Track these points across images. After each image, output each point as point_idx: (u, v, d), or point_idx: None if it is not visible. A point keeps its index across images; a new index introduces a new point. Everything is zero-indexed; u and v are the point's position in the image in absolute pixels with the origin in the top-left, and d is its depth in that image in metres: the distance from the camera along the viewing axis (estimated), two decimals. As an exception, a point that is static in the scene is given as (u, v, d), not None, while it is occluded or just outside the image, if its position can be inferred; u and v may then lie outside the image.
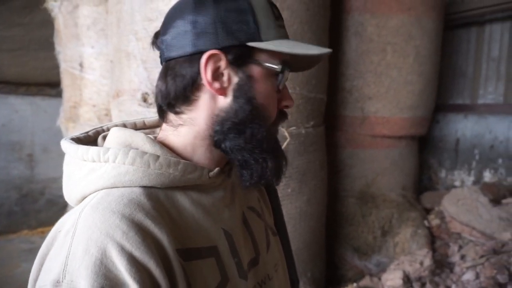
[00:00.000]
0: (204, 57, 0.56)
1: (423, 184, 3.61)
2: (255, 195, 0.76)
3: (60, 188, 0.62)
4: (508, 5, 2.96)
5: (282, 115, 0.65)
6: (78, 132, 0.65)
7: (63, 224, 0.52)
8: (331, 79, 2.54)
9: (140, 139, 0.58)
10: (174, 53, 0.59)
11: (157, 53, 0.63)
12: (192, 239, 0.55)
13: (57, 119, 2.99)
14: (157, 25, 1.49)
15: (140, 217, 0.50)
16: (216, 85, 0.58)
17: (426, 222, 2.78)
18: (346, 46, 2.76)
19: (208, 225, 0.58)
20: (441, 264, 2.31)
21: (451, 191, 2.90)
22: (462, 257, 2.32)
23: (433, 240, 2.65)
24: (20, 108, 4.45)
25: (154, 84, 0.64)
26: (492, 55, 3.30)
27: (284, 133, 1.98)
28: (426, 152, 3.66)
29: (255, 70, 0.59)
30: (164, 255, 0.50)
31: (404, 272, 2.16)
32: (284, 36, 0.61)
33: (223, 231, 0.60)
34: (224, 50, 0.57)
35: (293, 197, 2.05)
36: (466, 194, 2.72)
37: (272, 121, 0.62)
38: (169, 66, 0.60)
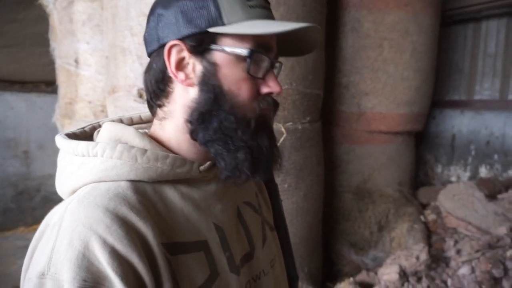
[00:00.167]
0: (166, 49, 0.57)
1: (419, 179, 3.63)
2: (253, 190, 0.75)
3: (56, 185, 0.62)
4: (504, 1, 2.97)
5: (267, 103, 0.60)
6: (73, 128, 0.65)
7: (51, 217, 0.52)
8: (328, 74, 2.54)
9: (129, 134, 0.58)
10: (149, 49, 0.61)
11: None
12: (180, 233, 0.55)
13: (53, 116, 2.97)
14: (152, 20, 1.48)
15: (124, 211, 0.50)
16: (181, 75, 0.58)
17: (422, 217, 2.80)
18: (342, 42, 2.75)
19: (198, 219, 0.58)
20: (437, 259, 2.32)
21: (447, 186, 2.91)
22: (458, 252, 2.33)
23: (429, 235, 2.67)
24: (16, 105, 4.43)
25: None
26: (489, 51, 3.31)
27: (281, 128, 1.98)
28: (423, 147, 3.67)
29: (219, 56, 0.57)
30: (148, 249, 0.50)
31: (400, 266, 2.18)
32: (258, 16, 0.57)
33: (214, 225, 0.60)
34: (185, 39, 0.56)
35: (290, 193, 2.05)
36: (462, 190, 2.74)
37: (249, 109, 0.58)
38: (149, 61, 0.62)
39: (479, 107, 3.35)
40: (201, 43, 0.56)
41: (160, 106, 0.61)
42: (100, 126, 0.67)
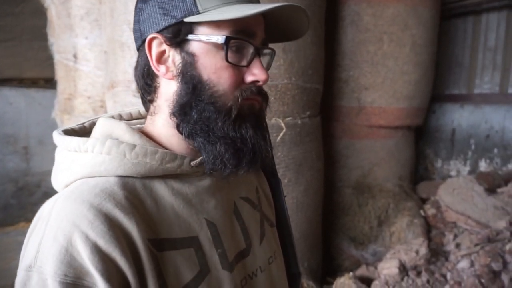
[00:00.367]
0: (146, 43, 0.57)
1: (419, 174, 3.63)
2: (253, 185, 0.74)
3: (56, 181, 0.62)
4: (504, -6, 2.95)
5: (251, 92, 0.58)
6: (73, 124, 0.65)
7: (43, 211, 0.53)
8: (327, 69, 2.53)
9: (120, 129, 0.58)
10: (136, 44, 0.61)
11: None
12: (168, 229, 0.55)
13: (52, 111, 2.96)
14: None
15: (109, 206, 0.50)
16: (163, 69, 0.57)
17: (422, 212, 2.80)
18: (342, 36, 2.74)
19: (189, 215, 0.57)
20: (437, 253, 2.33)
21: (447, 180, 2.92)
22: (457, 246, 2.34)
23: (429, 229, 2.68)
24: (15, 100, 4.41)
25: None
26: (489, 45, 3.30)
27: (280, 123, 1.98)
28: (423, 142, 3.67)
29: (197, 46, 0.56)
30: (132, 245, 0.50)
31: (400, 261, 2.19)
32: (238, 1, 0.55)
33: (206, 221, 0.59)
34: (163, 31, 0.56)
35: (290, 188, 2.05)
36: (462, 184, 2.74)
37: (231, 98, 0.56)
38: (137, 57, 0.62)
39: (479, 101, 3.35)
40: (178, 34, 0.56)
41: (151, 101, 0.61)
42: None
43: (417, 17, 2.74)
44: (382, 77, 2.75)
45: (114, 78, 2.06)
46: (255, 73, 0.57)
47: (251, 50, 0.57)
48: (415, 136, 3.27)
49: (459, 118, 3.48)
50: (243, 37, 0.56)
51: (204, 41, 0.55)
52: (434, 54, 3.02)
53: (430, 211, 2.79)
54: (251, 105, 0.58)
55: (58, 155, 0.59)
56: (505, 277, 1.99)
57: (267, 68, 0.63)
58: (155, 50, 0.57)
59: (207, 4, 0.54)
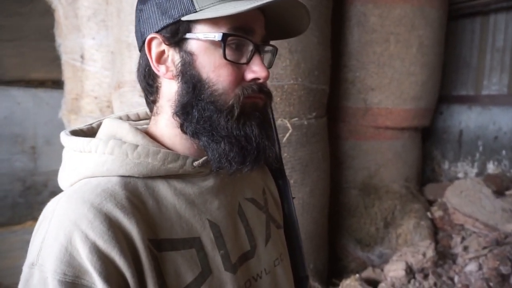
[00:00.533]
0: (146, 43, 0.57)
1: (426, 175, 3.60)
2: (259, 186, 0.73)
3: (63, 181, 0.62)
4: (513, -6, 2.92)
5: (252, 90, 0.57)
6: (80, 124, 0.66)
7: (47, 209, 0.53)
8: (334, 70, 2.52)
9: (123, 129, 0.58)
10: (138, 45, 0.61)
11: None
12: (170, 230, 0.55)
13: (59, 111, 2.98)
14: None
15: (109, 206, 0.50)
16: (162, 69, 0.57)
17: (429, 214, 2.78)
18: (348, 37, 2.73)
19: (191, 215, 0.57)
20: (444, 256, 2.31)
21: (454, 182, 2.89)
22: (465, 249, 2.32)
23: (436, 231, 2.65)
24: (22, 100, 4.45)
25: None
26: (497, 46, 3.27)
27: (287, 124, 1.97)
28: (430, 143, 3.64)
29: (195, 45, 0.55)
30: (132, 245, 0.50)
31: (406, 263, 2.17)
32: None
33: (209, 222, 0.59)
34: (162, 31, 0.56)
35: (296, 189, 2.05)
36: (469, 186, 2.72)
37: (232, 96, 0.55)
38: (138, 58, 0.62)
39: (487, 102, 3.31)
40: (176, 34, 0.55)
41: (153, 102, 0.61)
42: None
43: (424, 17, 2.72)
44: (389, 78, 2.74)
45: (120, 79, 2.07)
46: (255, 70, 0.56)
47: (250, 47, 0.56)
48: (422, 137, 3.25)
49: (467, 119, 3.44)
50: (241, 34, 0.55)
51: (202, 39, 0.55)
52: (441, 55, 3.00)
53: (437, 213, 2.76)
54: (254, 103, 0.58)
55: (65, 155, 0.60)
56: (513, 281, 1.96)
57: (269, 66, 0.62)
58: (154, 50, 0.57)
59: (204, 2, 0.53)
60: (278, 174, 0.77)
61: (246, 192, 0.69)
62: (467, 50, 3.45)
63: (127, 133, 0.58)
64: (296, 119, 2.03)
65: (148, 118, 0.70)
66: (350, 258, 2.71)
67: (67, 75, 2.81)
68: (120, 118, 0.68)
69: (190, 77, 0.56)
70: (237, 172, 0.57)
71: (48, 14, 2.93)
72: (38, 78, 4.44)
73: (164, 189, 0.56)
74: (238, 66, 0.56)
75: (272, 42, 0.63)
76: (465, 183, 2.78)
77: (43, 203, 0.56)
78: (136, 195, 0.53)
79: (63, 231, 0.48)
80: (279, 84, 1.94)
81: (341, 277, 2.36)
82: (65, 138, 0.60)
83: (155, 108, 0.61)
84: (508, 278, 1.98)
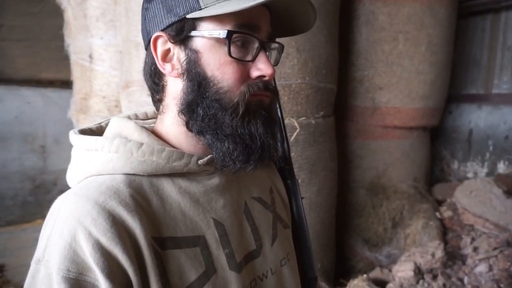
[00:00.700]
0: (151, 41, 0.57)
1: (435, 175, 3.57)
2: (267, 185, 0.73)
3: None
4: (525, -9, 2.87)
5: (258, 88, 0.56)
6: (88, 123, 0.66)
7: (54, 206, 0.54)
8: (342, 69, 2.51)
9: (129, 128, 0.59)
10: (145, 44, 0.61)
11: None
12: (174, 228, 0.55)
13: (68, 111, 3.01)
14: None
15: (113, 204, 0.50)
16: (168, 67, 0.57)
17: (438, 214, 2.75)
18: (357, 35, 2.71)
19: (195, 214, 0.57)
20: (453, 256, 2.28)
21: (464, 182, 2.86)
22: (475, 249, 2.29)
23: (445, 232, 2.62)
24: (32, 100, 4.49)
25: None
26: (508, 44, 3.22)
27: (294, 123, 1.96)
28: (439, 143, 3.61)
29: (200, 42, 0.55)
30: (135, 243, 0.50)
31: (415, 263, 2.15)
32: None
33: (214, 220, 0.59)
34: (167, 29, 0.56)
35: (303, 188, 2.04)
36: (479, 186, 2.68)
37: (237, 94, 0.55)
38: (144, 57, 0.62)
39: (498, 101, 3.27)
40: (181, 31, 0.55)
41: (159, 100, 0.61)
42: None
43: (433, 16, 2.69)
44: (397, 76, 2.71)
45: (129, 78, 2.08)
46: (260, 68, 0.56)
47: (256, 44, 0.56)
48: (431, 137, 3.22)
49: (477, 118, 3.40)
50: (246, 31, 0.54)
51: (207, 36, 0.54)
52: (450, 54, 2.96)
53: (446, 213, 2.73)
54: (259, 101, 0.57)
55: (73, 153, 0.61)
56: (524, 282, 1.93)
57: (275, 63, 0.62)
58: (160, 49, 0.57)
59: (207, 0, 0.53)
60: (287, 174, 0.76)
61: (253, 191, 0.69)
62: (477, 48, 3.40)
63: (133, 131, 0.58)
64: (303, 118, 2.02)
65: (156, 117, 0.71)
66: (357, 258, 2.69)
67: (76, 74, 2.83)
68: (129, 117, 0.68)
69: (195, 75, 0.55)
70: (241, 170, 0.57)
71: (58, 14, 2.96)
72: (48, 78, 4.48)
73: (168, 187, 0.56)
74: (243, 64, 0.56)
75: (279, 40, 0.63)
76: (475, 183, 2.75)
77: (52, 202, 0.56)
78: (140, 193, 0.54)
79: (67, 228, 0.48)
80: (287, 83, 1.93)
81: (349, 277, 2.35)
82: (73, 136, 0.60)
83: (161, 106, 0.61)
84: (519, 279, 1.96)
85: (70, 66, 2.91)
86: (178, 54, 0.57)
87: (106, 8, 2.57)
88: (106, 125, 0.66)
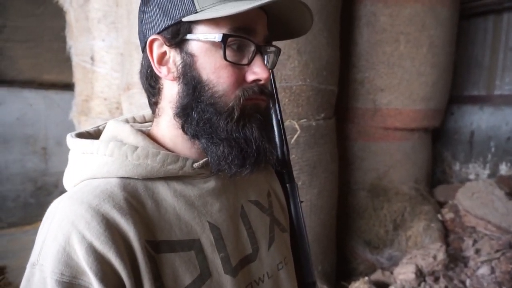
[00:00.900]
0: (147, 44, 0.57)
1: (436, 177, 3.56)
2: (264, 189, 0.72)
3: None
4: (527, -8, 2.87)
5: (253, 92, 0.56)
6: (89, 125, 0.67)
7: (50, 209, 0.54)
8: (343, 70, 2.50)
9: (125, 131, 0.59)
10: (141, 47, 0.61)
11: None
12: (168, 231, 0.55)
13: (70, 113, 3.02)
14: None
15: (107, 208, 0.50)
16: (164, 70, 0.57)
17: (439, 216, 2.74)
18: (358, 37, 2.71)
19: (190, 217, 0.57)
20: (455, 258, 2.27)
21: (466, 184, 2.84)
22: (477, 252, 2.28)
23: (446, 234, 2.61)
24: (34, 102, 4.51)
25: None
26: (510, 45, 3.21)
27: (295, 125, 1.96)
28: (440, 144, 3.59)
29: (196, 46, 0.55)
30: (129, 246, 0.50)
31: (417, 266, 2.14)
32: None
33: (209, 224, 0.58)
34: (163, 32, 0.56)
35: (304, 190, 2.04)
36: (481, 187, 2.67)
37: (232, 98, 0.55)
38: (141, 60, 0.62)
39: (500, 103, 3.26)
40: (177, 35, 0.55)
41: (155, 103, 0.61)
42: None
43: (435, 17, 2.68)
44: (399, 78, 2.71)
45: (130, 80, 2.08)
46: (256, 72, 0.56)
47: (252, 47, 0.55)
48: (433, 138, 3.21)
49: (479, 120, 3.39)
50: (242, 34, 0.54)
51: (202, 40, 0.54)
52: (452, 55, 2.96)
53: (448, 215, 2.72)
54: (255, 105, 0.57)
55: (70, 157, 0.61)
56: (527, 285, 1.92)
57: (271, 67, 0.62)
58: (156, 52, 0.57)
59: (205, 2, 0.53)
60: (286, 177, 0.76)
61: (250, 194, 0.68)
62: (479, 49, 3.39)
63: (128, 135, 0.58)
64: (304, 120, 2.01)
65: (153, 120, 0.71)
66: (359, 260, 2.69)
67: (78, 76, 2.84)
68: (126, 120, 0.68)
69: (190, 79, 0.55)
70: (237, 174, 0.57)
71: (61, 15, 2.97)
72: (50, 79, 4.50)
73: (163, 191, 0.56)
74: (239, 67, 0.56)
75: (277, 43, 0.63)
76: (477, 185, 2.74)
77: (53, 204, 0.57)
78: (135, 197, 0.54)
79: (61, 231, 0.48)
80: (288, 85, 1.93)
81: (350, 279, 2.34)
82: (70, 140, 0.60)
83: (157, 109, 0.61)
84: (522, 282, 1.94)
85: (72, 68, 2.91)
86: (174, 57, 0.57)
87: (108, 10, 2.58)
88: (103, 128, 0.66)
